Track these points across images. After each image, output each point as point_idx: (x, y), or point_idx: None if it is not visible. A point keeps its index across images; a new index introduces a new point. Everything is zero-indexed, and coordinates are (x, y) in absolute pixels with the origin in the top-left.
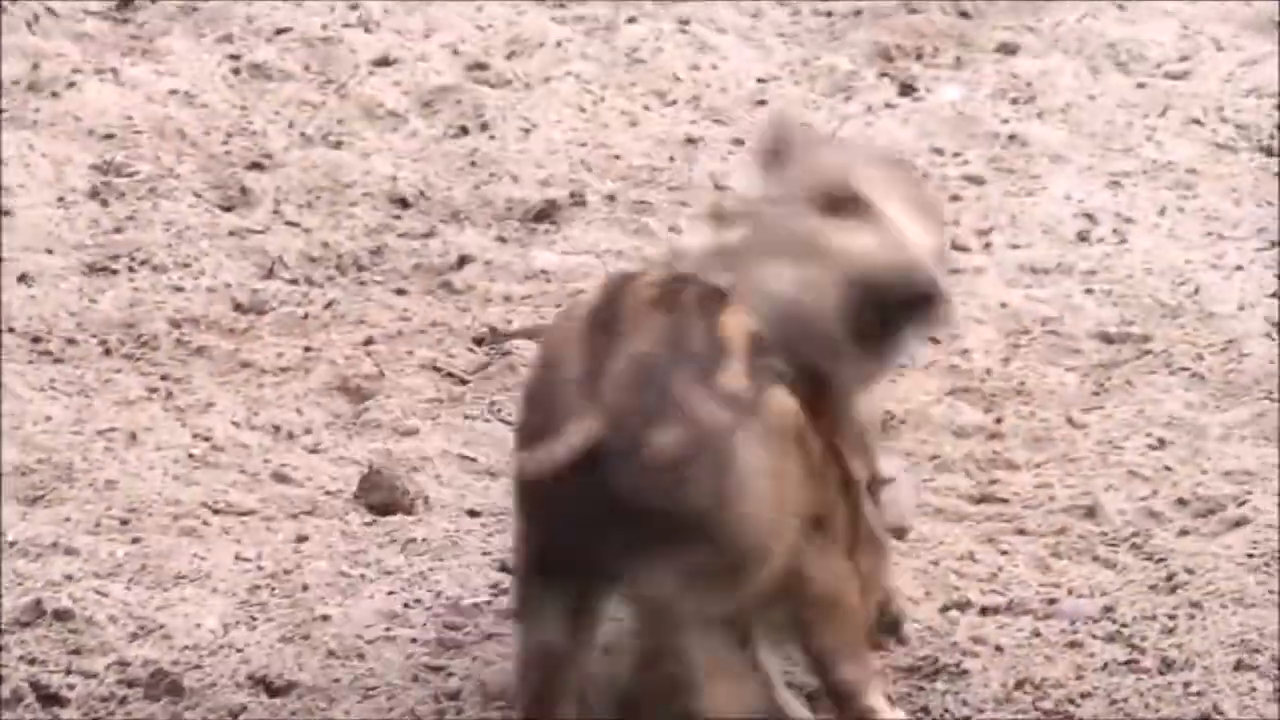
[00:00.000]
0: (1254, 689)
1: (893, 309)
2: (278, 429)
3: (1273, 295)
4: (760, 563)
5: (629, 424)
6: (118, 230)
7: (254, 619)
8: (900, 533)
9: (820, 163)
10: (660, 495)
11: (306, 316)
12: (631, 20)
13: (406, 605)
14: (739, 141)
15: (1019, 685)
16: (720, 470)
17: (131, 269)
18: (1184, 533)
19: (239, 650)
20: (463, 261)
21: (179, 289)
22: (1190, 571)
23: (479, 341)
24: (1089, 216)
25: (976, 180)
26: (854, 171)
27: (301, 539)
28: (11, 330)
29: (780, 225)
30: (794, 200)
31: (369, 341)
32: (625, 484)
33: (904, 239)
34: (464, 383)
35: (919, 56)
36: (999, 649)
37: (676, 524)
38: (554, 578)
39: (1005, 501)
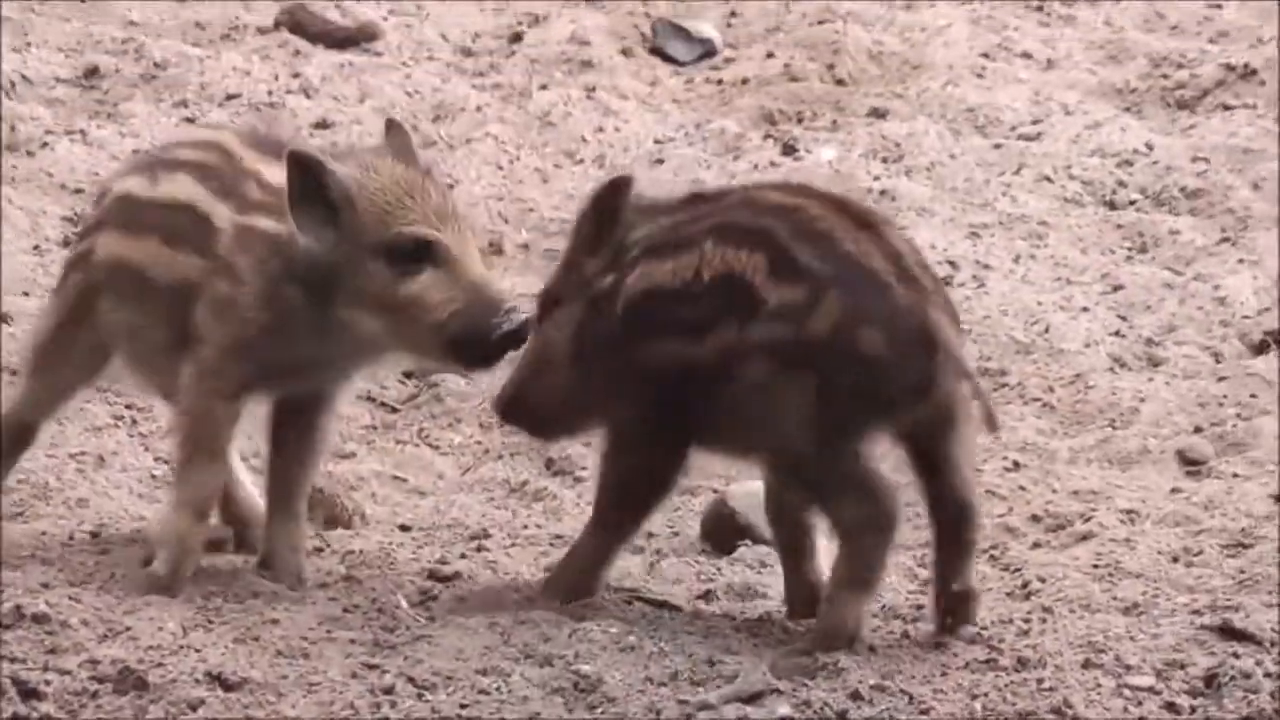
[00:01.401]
0: (1099, 685)
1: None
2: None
3: (1115, 334)
4: None
5: None
6: None
7: (210, 622)
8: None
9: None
10: None
11: None
12: (543, 88)
13: (346, 610)
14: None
15: (890, 681)
16: None
17: None
18: (1036, 545)
19: (197, 650)
20: None
21: None
22: (1042, 580)
23: (409, 375)
24: (951, 263)
25: None
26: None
27: (252, 551)
28: None
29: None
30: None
31: None
32: None
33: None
34: (395, 411)
35: (799, 120)
36: (873, 649)
37: None
38: None
39: None
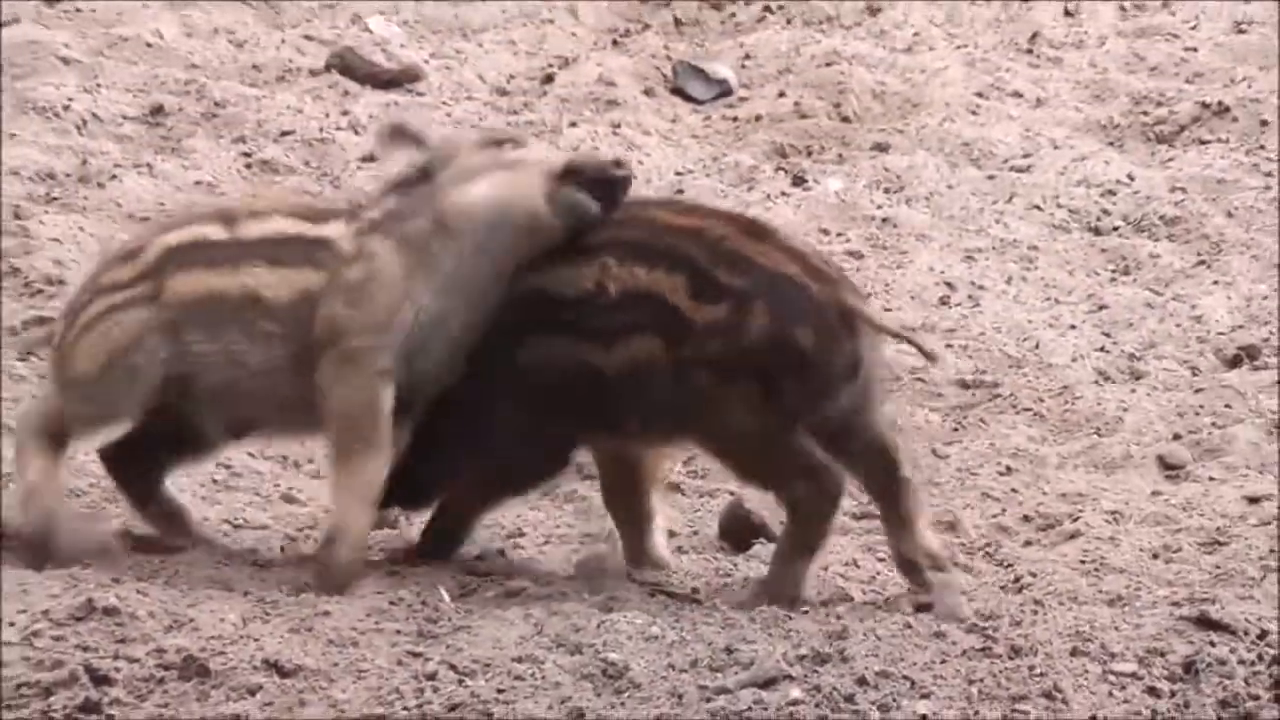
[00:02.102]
0: (1086, 671)
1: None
2: (285, 458)
3: (1100, 349)
4: None
5: None
6: None
7: (267, 614)
8: None
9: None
10: None
11: None
12: (573, 124)
13: (391, 603)
14: None
15: (893, 667)
16: None
17: None
18: (1028, 543)
19: (255, 640)
20: None
21: None
22: (1033, 575)
23: None
24: (949, 284)
25: (856, 255)
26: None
27: (306, 550)
28: None
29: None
30: (463, 151)
31: None
32: None
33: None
34: None
35: (808, 154)
36: (878, 638)
37: None
38: None
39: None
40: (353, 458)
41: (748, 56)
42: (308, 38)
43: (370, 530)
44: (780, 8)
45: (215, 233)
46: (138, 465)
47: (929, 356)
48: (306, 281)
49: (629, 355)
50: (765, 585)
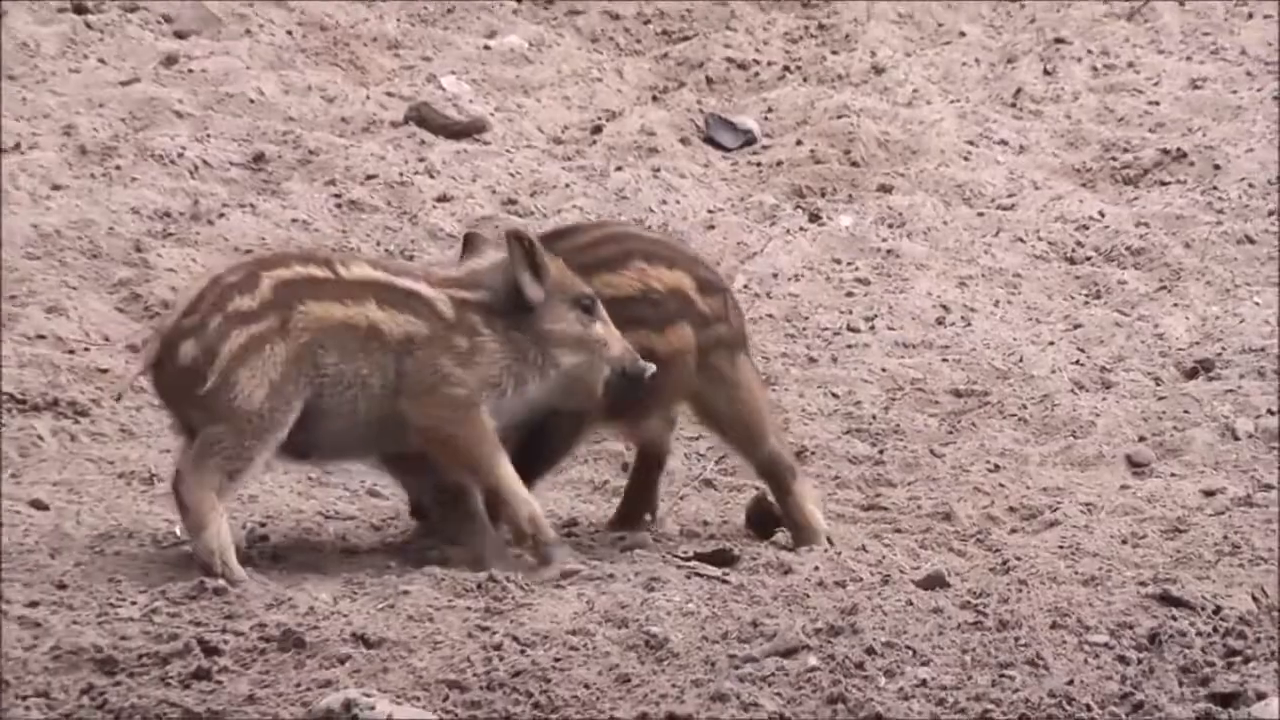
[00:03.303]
0: (1065, 642)
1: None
2: None
3: (1075, 363)
4: None
5: None
6: None
7: (355, 593)
8: None
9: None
10: None
11: None
12: (619, 169)
13: (463, 583)
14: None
15: (897, 639)
16: None
17: None
18: (1013, 531)
19: (345, 615)
20: None
21: None
22: (1018, 559)
23: None
24: (944, 307)
25: (864, 281)
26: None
27: (389, 538)
28: None
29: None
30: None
31: None
32: None
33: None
34: None
35: (823, 194)
36: (884, 613)
37: None
38: None
39: (886, 509)
40: (486, 471)
41: (770, 110)
42: (389, 94)
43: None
44: (798, 68)
45: (321, 272)
46: None
47: None
48: (409, 324)
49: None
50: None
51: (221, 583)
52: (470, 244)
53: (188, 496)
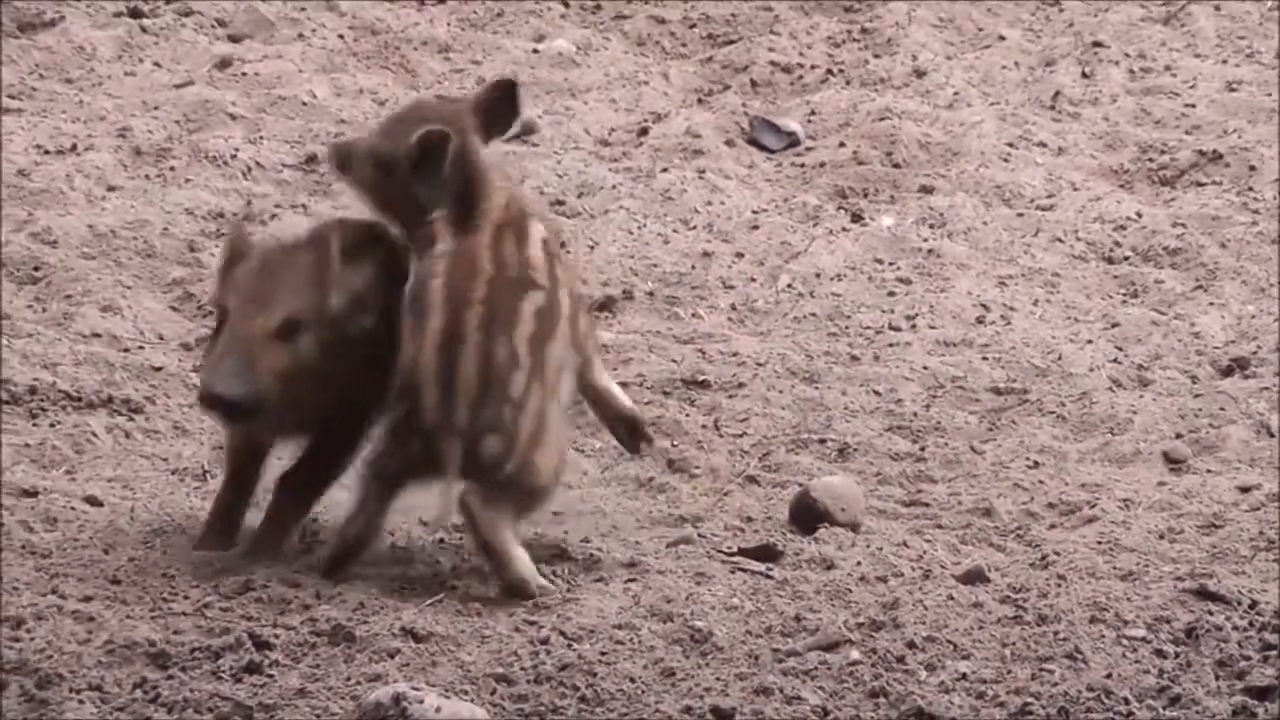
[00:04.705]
0: (1103, 636)
1: None
2: None
3: (1113, 361)
4: None
5: None
6: None
7: (403, 590)
8: None
9: None
10: None
11: None
12: (664, 170)
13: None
14: (740, 255)
15: (938, 633)
16: None
17: None
18: (1053, 527)
19: (395, 610)
20: None
21: None
22: (1057, 554)
23: None
24: (984, 306)
25: (905, 281)
26: None
27: (439, 538)
28: None
29: None
30: None
31: None
32: None
33: None
34: None
35: (865, 195)
36: (925, 608)
37: None
38: None
39: (927, 505)
40: None
41: (813, 112)
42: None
43: None
44: (840, 71)
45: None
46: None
47: None
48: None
49: None
50: None
51: (273, 580)
52: None
53: (489, 536)
